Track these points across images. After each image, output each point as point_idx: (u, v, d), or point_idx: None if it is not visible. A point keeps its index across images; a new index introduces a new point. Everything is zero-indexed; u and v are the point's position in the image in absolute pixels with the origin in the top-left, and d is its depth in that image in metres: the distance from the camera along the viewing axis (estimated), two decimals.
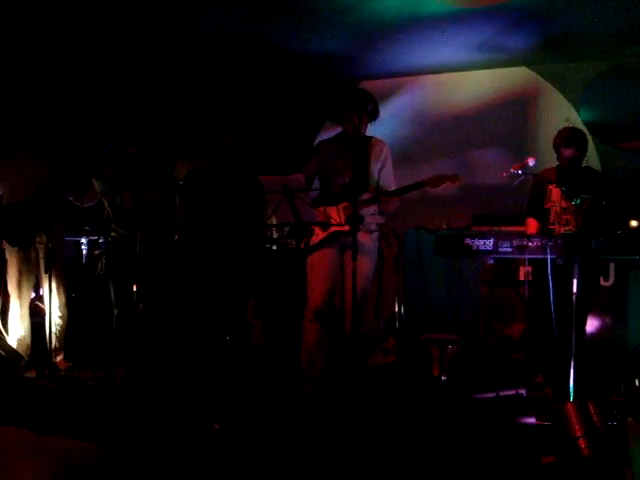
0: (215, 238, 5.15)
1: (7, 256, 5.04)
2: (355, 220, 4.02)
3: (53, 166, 5.01)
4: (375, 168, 4.49)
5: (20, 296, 5.04)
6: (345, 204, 4.34)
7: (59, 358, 5.12)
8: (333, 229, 4.35)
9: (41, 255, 5.02)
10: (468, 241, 4.05)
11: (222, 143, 5.13)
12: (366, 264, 4.38)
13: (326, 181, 4.55)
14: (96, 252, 5.99)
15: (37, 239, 4.99)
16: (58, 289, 5.06)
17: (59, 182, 4.96)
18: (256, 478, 3.15)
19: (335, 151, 4.54)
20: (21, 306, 5.06)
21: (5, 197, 5.03)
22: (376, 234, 4.55)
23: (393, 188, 4.50)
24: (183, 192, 5.18)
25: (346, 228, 4.25)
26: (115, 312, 5.11)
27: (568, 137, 4.61)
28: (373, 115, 4.48)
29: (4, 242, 5.03)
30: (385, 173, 4.53)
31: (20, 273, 5.01)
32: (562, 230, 4.53)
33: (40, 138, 5.10)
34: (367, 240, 4.43)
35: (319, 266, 4.46)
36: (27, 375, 4.86)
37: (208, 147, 5.24)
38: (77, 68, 6.42)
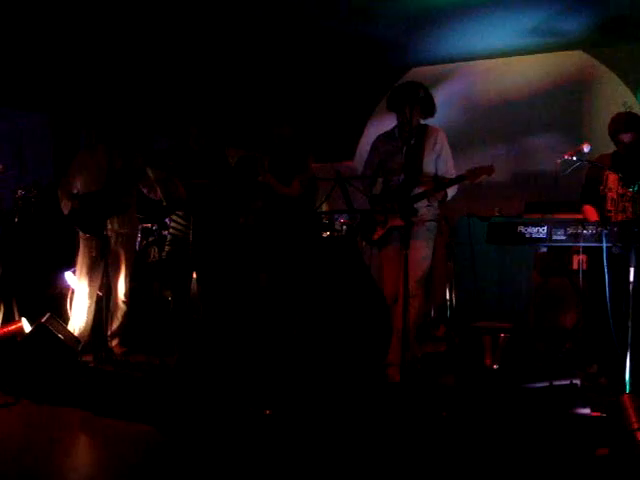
0: (267, 226, 5.18)
1: (80, 244, 5.20)
2: (408, 214, 4.09)
3: (126, 157, 5.15)
4: (430, 159, 4.49)
5: (90, 283, 5.19)
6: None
7: (114, 343, 5.24)
8: (390, 225, 4.46)
9: (112, 243, 5.16)
10: (521, 229, 3.99)
11: (277, 132, 5.15)
12: (420, 253, 4.40)
13: (386, 177, 4.59)
14: (150, 239, 6.10)
15: (109, 227, 5.12)
16: (126, 276, 5.22)
17: (132, 172, 5.10)
18: (308, 464, 3.18)
19: (392, 146, 4.57)
20: (90, 292, 5.20)
21: (81, 187, 5.20)
22: (431, 224, 4.53)
23: (452, 173, 4.49)
24: (234, 180, 5.22)
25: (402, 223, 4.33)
26: (171, 298, 5.21)
27: (626, 122, 4.49)
28: (426, 105, 4.46)
29: (78, 231, 5.19)
30: (442, 161, 4.52)
31: (92, 260, 5.16)
32: (619, 217, 4.42)
33: (114, 129, 5.23)
34: (421, 229, 4.43)
35: (384, 264, 4.62)
36: (84, 359, 4.98)
37: (260, 135, 5.26)
38: (143, 60, 6.59)
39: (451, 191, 4.49)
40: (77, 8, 5.49)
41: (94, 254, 5.10)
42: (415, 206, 4.33)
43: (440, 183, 4.43)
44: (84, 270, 5.18)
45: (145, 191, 5.26)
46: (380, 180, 4.63)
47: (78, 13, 5.57)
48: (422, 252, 4.45)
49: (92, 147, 5.33)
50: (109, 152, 5.11)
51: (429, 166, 4.49)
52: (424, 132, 4.52)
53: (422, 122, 4.56)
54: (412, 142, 4.42)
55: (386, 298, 4.63)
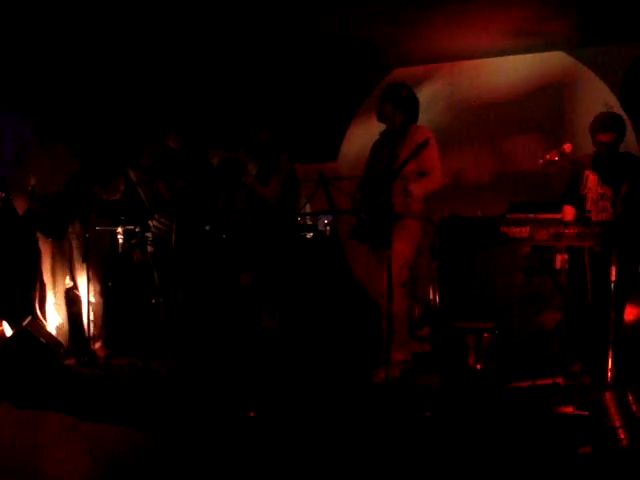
0: (248, 227, 5.18)
1: (41, 246, 5.13)
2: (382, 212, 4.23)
3: (85, 157, 5.07)
4: (411, 159, 4.41)
5: (54, 285, 5.14)
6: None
7: (97, 345, 5.20)
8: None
9: (74, 245, 5.11)
10: (504, 229, 4.02)
11: (254, 134, 5.15)
12: (394, 252, 4.40)
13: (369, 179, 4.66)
14: (132, 241, 6.07)
15: (70, 229, 5.06)
16: (93, 278, 5.13)
17: (91, 173, 5.01)
18: (292, 466, 3.17)
19: (379, 146, 4.66)
20: (56, 295, 5.16)
21: (38, 188, 5.09)
22: (409, 221, 4.51)
23: (435, 172, 4.53)
24: (217, 182, 5.22)
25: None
26: (158, 301, 5.19)
27: (606, 121, 4.52)
28: (403, 104, 4.47)
29: (38, 233, 5.12)
30: (422, 160, 4.46)
31: (54, 263, 5.11)
32: (599, 217, 4.46)
33: (72, 128, 5.15)
34: (396, 228, 4.43)
35: (373, 262, 4.60)
36: (67, 362, 4.95)
37: (240, 137, 5.26)
38: (111, 59, 6.50)
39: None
40: (56, 9, 5.43)
41: (55, 257, 5.05)
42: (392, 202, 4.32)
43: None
44: (47, 274, 5.13)
45: (98, 192, 5.08)
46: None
47: (58, 14, 5.51)
48: (397, 251, 4.40)
49: (48, 144, 5.16)
50: (69, 152, 5.02)
51: (410, 166, 4.42)
52: (407, 131, 4.54)
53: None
54: (394, 143, 4.45)
55: (374, 296, 4.59)
